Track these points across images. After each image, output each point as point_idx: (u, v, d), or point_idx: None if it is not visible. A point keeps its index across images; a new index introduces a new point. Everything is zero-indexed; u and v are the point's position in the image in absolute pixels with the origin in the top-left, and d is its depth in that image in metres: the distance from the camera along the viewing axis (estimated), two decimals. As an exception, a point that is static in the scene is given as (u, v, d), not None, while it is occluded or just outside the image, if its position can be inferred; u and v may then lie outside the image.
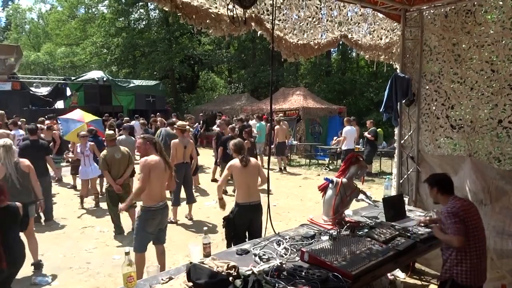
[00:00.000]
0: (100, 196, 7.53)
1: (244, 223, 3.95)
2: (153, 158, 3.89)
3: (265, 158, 9.62)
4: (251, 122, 12.09)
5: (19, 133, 8.31)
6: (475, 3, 3.82)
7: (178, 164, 6.30)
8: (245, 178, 3.98)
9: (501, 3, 3.66)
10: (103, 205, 7.26)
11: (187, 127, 6.99)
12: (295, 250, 2.78)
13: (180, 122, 6.92)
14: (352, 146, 10.20)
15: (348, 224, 3.21)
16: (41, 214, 6.51)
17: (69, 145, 9.28)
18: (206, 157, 12.88)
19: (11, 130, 8.09)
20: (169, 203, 6.48)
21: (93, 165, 7.32)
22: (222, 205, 4.23)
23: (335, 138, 11.89)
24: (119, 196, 5.49)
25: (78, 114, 9.29)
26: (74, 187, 8.70)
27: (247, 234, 4.04)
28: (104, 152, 5.69)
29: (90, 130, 8.04)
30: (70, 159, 8.57)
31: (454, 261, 2.83)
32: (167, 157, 4.10)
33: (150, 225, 3.93)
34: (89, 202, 7.50)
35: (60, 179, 9.38)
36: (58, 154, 8.53)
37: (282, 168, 11.24)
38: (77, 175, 8.30)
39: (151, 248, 4.31)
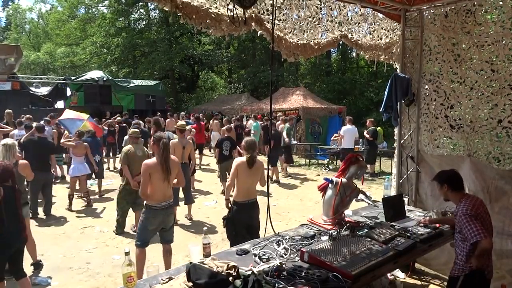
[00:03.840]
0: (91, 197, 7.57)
1: (243, 221, 3.97)
2: (152, 161, 3.95)
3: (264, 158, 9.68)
4: (249, 122, 12.12)
5: (22, 133, 8.32)
6: (475, 3, 3.82)
7: None
8: (248, 178, 3.99)
9: (501, 3, 3.66)
10: (95, 205, 7.32)
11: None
12: (295, 250, 2.78)
13: (180, 122, 6.94)
14: (351, 145, 10.20)
15: (348, 224, 3.20)
16: (40, 211, 6.58)
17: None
18: (208, 157, 12.90)
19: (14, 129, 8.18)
20: (181, 203, 6.57)
21: (83, 164, 7.34)
22: (228, 205, 4.18)
23: (335, 135, 11.91)
24: (135, 194, 5.47)
25: (72, 113, 9.27)
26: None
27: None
28: (128, 147, 5.67)
29: (88, 131, 8.10)
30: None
31: (466, 258, 2.78)
32: (169, 159, 4.01)
33: (151, 223, 3.98)
34: (80, 202, 7.53)
35: (64, 177, 9.43)
36: (58, 152, 8.55)
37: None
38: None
39: (152, 248, 4.31)
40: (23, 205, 4.44)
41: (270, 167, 9.42)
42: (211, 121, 14.48)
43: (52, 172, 6.58)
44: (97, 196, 8.07)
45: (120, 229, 5.88)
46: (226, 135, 8.36)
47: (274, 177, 9.71)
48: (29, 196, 5.35)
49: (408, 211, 3.89)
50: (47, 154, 6.44)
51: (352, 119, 10.77)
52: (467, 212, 2.71)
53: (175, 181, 4.16)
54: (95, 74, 19.02)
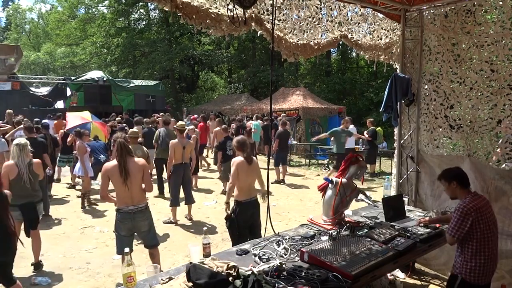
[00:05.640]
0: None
1: (247, 220, 3.98)
2: (112, 163, 3.77)
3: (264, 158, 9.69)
4: (250, 122, 12.12)
5: (20, 133, 8.30)
6: (475, 3, 3.82)
7: (176, 165, 6.31)
8: (248, 175, 4.00)
9: (501, 3, 3.66)
10: (96, 205, 7.32)
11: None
12: (295, 250, 2.78)
13: (179, 122, 6.95)
14: (352, 145, 10.20)
15: (347, 224, 3.21)
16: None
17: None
18: (209, 159, 12.86)
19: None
20: (166, 203, 6.55)
21: (85, 164, 7.33)
22: (227, 209, 4.11)
23: None
24: None
25: (76, 117, 9.26)
26: (73, 186, 8.69)
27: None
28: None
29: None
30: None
31: (465, 259, 2.79)
32: (127, 161, 3.71)
33: (121, 228, 3.84)
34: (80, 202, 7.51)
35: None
36: (64, 153, 8.51)
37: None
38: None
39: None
40: (37, 203, 4.46)
41: (274, 166, 9.39)
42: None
43: (48, 170, 6.54)
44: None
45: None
46: (224, 135, 8.39)
47: (281, 177, 9.69)
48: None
49: (408, 211, 3.89)
50: (38, 154, 6.34)
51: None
52: (460, 209, 2.74)
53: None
54: (95, 74, 19.04)
